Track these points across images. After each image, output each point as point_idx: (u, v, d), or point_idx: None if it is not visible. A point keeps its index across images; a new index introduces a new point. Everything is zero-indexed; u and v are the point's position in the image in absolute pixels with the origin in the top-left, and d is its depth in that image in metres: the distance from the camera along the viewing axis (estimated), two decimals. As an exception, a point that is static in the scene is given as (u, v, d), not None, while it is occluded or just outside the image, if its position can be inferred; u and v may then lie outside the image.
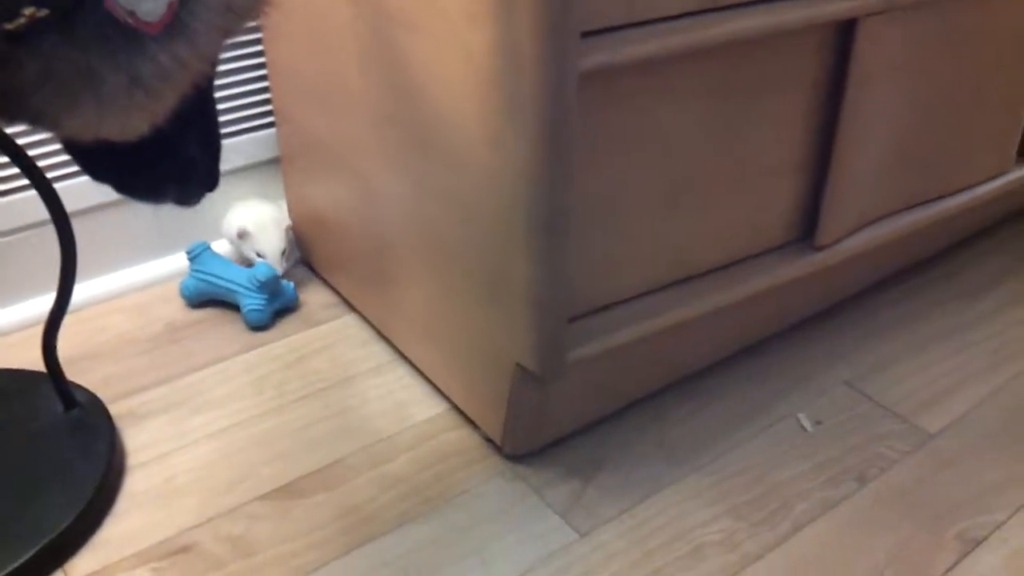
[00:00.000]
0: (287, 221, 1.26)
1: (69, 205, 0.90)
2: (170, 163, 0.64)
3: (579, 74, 0.74)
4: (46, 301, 0.98)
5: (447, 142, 0.87)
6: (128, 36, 0.50)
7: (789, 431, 1.04)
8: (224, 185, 1.24)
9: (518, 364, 0.90)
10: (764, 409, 1.07)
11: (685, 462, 1.00)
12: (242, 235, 1.22)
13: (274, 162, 1.31)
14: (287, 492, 0.95)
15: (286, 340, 1.17)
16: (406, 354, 1.12)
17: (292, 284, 1.23)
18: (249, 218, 1.23)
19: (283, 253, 1.23)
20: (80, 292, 1.21)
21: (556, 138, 0.76)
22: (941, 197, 1.19)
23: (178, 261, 1.27)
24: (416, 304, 1.05)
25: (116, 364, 1.13)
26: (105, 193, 0.67)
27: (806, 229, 1.06)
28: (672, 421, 1.05)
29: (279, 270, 1.21)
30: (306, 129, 1.15)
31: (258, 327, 1.18)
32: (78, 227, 0.93)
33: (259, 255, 1.22)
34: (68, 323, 1.13)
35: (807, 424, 1.05)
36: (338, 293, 1.25)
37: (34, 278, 1.19)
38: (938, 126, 1.11)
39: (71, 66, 0.50)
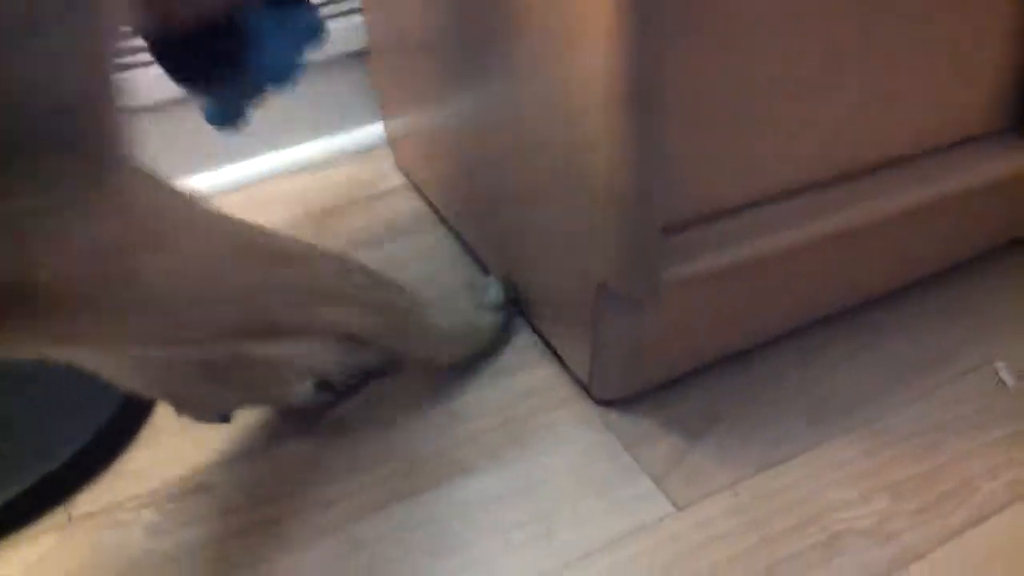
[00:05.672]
0: None
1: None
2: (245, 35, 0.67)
3: None
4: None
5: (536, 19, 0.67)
6: None
7: (980, 385, 0.81)
8: (302, 81, 1.11)
9: (601, 284, 0.70)
10: (947, 355, 0.84)
11: (831, 421, 0.78)
12: None
13: (360, 55, 1.15)
14: (328, 431, 0.80)
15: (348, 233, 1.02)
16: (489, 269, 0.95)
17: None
18: None
19: None
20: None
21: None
22: None
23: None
24: (501, 212, 0.87)
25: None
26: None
27: (1016, 116, 0.82)
28: (819, 367, 0.83)
29: None
30: (396, 16, 0.98)
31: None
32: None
33: None
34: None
35: (1007, 377, 0.82)
36: (429, 201, 1.08)
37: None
38: None
39: None
